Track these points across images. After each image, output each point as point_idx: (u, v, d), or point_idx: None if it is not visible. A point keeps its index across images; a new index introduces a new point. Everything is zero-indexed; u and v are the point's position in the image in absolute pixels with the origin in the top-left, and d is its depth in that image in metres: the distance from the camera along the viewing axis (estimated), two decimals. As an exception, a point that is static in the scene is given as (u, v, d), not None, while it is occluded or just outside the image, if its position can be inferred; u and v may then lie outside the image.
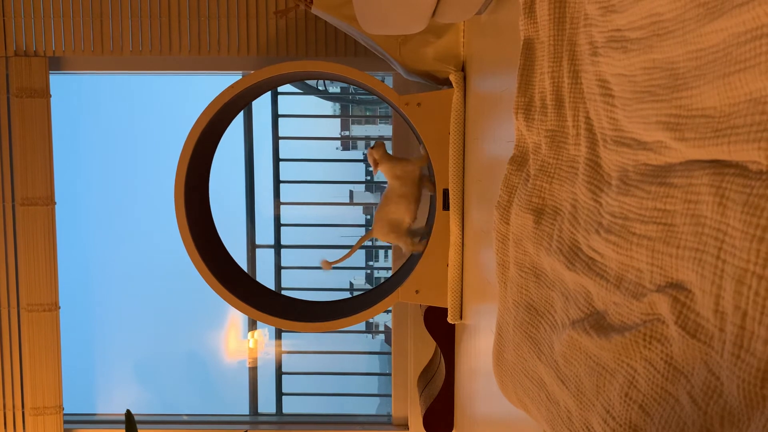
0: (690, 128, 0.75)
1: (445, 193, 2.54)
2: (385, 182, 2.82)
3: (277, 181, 3.69)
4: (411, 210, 2.74)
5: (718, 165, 0.70)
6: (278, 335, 3.81)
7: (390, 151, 3.20)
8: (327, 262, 2.89)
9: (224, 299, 2.75)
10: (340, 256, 2.96)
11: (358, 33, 2.62)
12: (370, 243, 2.96)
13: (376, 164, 2.74)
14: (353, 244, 2.98)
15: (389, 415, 3.57)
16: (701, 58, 0.74)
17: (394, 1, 1.99)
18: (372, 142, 2.80)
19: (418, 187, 2.76)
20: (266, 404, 3.71)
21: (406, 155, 3.22)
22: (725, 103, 0.69)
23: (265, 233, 3.73)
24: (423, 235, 2.84)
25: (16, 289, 3.24)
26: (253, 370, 3.69)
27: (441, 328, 2.73)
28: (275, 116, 3.60)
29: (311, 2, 2.58)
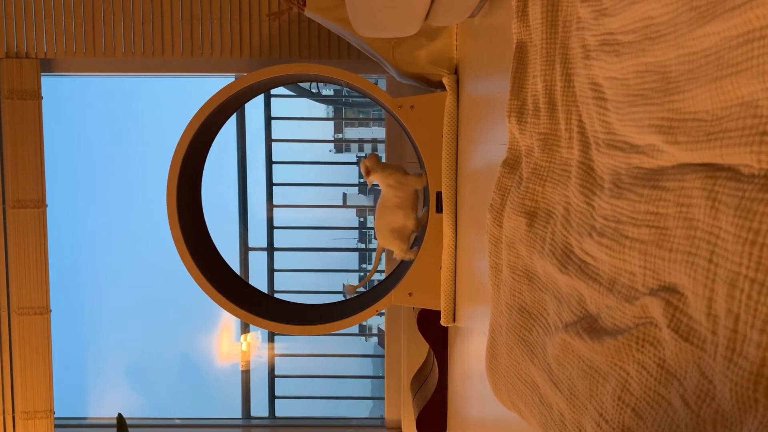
0: (682, 132, 0.75)
1: (438, 195, 2.54)
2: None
3: (270, 184, 3.68)
4: (410, 215, 2.72)
5: (710, 168, 0.70)
6: (271, 338, 3.80)
7: (383, 155, 3.20)
8: (351, 286, 2.88)
9: (216, 302, 2.74)
10: (361, 280, 2.96)
11: (351, 36, 2.62)
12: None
13: (368, 173, 2.72)
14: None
15: (382, 418, 3.56)
16: (693, 61, 0.74)
17: (387, 4, 1.99)
18: (364, 148, 2.80)
19: (413, 196, 2.74)
20: (259, 407, 3.69)
21: (400, 163, 3.22)
22: (717, 107, 0.69)
23: (257, 236, 3.72)
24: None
25: (7, 293, 3.22)
26: (246, 373, 3.68)
27: (434, 330, 2.73)
28: (268, 119, 3.59)
29: (304, 5, 2.58)
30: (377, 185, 2.83)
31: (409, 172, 2.76)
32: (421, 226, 2.73)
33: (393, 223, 2.72)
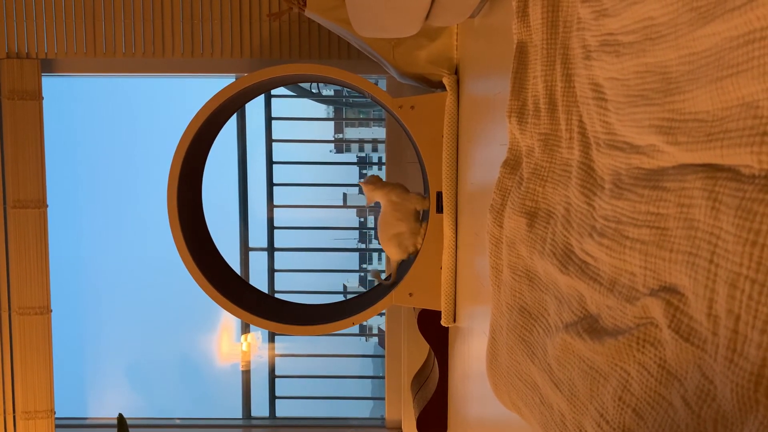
0: (683, 132, 0.75)
1: (439, 195, 2.54)
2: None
3: (270, 184, 3.68)
4: (413, 227, 2.70)
5: (711, 169, 0.70)
6: (271, 338, 3.80)
7: (383, 155, 3.20)
8: (377, 271, 2.90)
9: (217, 302, 2.74)
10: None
11: (351, 36, 2.62)
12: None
13: (369, 189, 2.71)
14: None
15: (383, 418, 3.56)
16: (694, 62, 0.74)
17: (387, 4, 1.99)
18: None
19: (413, 213, 2.72)
20: (259, 407, 3.70)
21: (400, 162, 3.23)
22: (718, 107, 0.69)
23: (258, 236, 3.72)
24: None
25: (8, 293, 3.22)
26: (246, 374, 3.68)
27: (434, 331, 2.72)
28: (268, 119, 3.59)
29: (304, 5, 2.58)
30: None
31: (410, 191, 2.75)
32: (419, 243, 2.71)
33: (400, 236, 2.69)
